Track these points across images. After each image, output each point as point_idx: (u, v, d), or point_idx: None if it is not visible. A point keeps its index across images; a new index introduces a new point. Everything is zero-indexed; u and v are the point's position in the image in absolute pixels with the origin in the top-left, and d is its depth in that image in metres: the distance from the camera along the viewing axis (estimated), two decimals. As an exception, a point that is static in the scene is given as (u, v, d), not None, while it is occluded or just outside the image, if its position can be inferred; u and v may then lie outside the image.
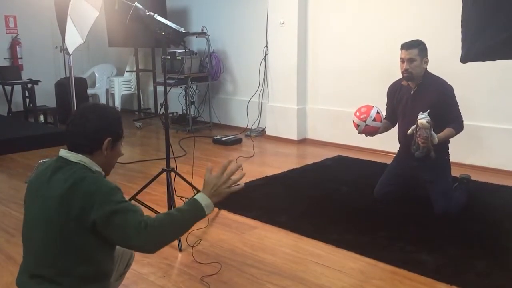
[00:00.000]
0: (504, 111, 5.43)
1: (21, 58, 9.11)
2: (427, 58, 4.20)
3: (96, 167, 2.15)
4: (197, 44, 8.39)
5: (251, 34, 7.80)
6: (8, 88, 8.57)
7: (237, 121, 8.25)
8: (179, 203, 4.21)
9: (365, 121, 4.16)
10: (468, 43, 2.32)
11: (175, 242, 3.68)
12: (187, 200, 2.19)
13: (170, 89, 5.75)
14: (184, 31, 4.13)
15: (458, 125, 4.11)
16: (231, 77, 8.35)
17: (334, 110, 6.79)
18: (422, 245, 3.66)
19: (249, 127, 7.91)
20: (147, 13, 3.92)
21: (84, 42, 5.00)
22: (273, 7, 7.20)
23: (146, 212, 3.97)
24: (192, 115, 8.27)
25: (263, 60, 7.56)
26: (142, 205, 4.02)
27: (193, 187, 4.38)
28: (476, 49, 2.27)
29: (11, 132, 7.14)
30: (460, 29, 2.28)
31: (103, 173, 2.20)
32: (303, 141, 7.25)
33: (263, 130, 7.72)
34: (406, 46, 4.18)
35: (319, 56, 7.00)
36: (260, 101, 7.76)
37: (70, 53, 4.98)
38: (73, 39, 4.85)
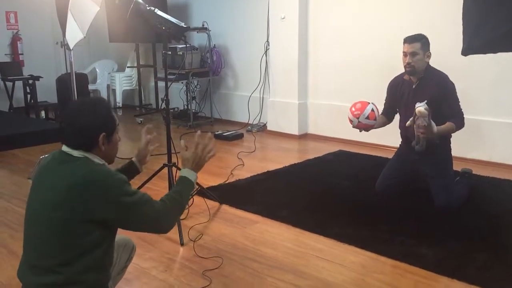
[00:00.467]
0: (506, 105, 5.42)
1: (22, 54, 9.12)
2: (430, 52, 4.19)
3: (98, 160, 2.16)
4: (198, 39, 8.38)
5: (252, 29, 7.79)
6: (9, 84, 8.59)
7: (238, 116, 8.25)
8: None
9: (358, 118, 4.18)
10: (469, 36, 2.32)
11: (177, 237, 3.69)
12: (178, 178, 2.39)
13: (171, 84, 5.75)
14: (185, 26, 4.12)
15: (458, 121, 4.07)
16: (232, 72, 8.34)
17: (335, 105, 6.79)
18: (423, 239, 3.66)
19: (250, 122, 7.91)
20: (148, 8, 3.93)
21: (84, 37, 5.00)
22: (274, 2, 7.19)
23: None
24: (193, 111, 8.26)
25: (264, 55, 7.55)
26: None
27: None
28: (477, 41, 2.27)
29: (12, 128, 7.15)
30: (460, 22, 2.27)
31: (106, 164, 2.22)
32: (304, 136, 7.25)
33: (264, 125, 7.72)
34: (409, 40, 4.18)
35: (320, 51, 6.99)
36: (261, 96, 7.76)
37: (71, 48, 4.98)
38: (74, 34, 4.85)
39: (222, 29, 8.22)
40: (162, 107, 7.85)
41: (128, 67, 9.81)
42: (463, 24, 2.36)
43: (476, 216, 4.08)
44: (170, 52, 7.54)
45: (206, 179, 5.03)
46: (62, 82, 8.33)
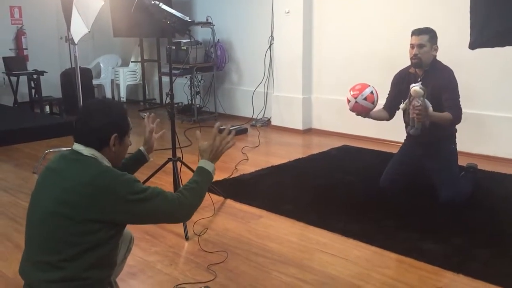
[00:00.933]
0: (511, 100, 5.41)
1: (26, 48, 9.11)
2: (437, 46, 4.18)
3: (106, 162, 2.17)
4: (202, 34, 8.36)
5: (256, 24, 7.78)
6: (13, 79, 8.58)
7: (242, 111, 8.25)
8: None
9: (355, 98, 4.15)
10: (476, 29, 2.32)
11: (182, 231, 3.70)
12: (196, 169, 2.42)
13: (176, 79, 5.74)
14: (189, 20, 4.12)
15: (456, 114, 4.02)
16: (236, 67, 8.34)
17: (340, 100, 6.72)
18: (428, 233, 3.66)
19: (254, 117, 7.90)
20: (152, 2, 3.92)
21: (89, 31, 5.01)
22: (278, -4, 7.17)
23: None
24: (197, 105, 8.26)
25: (268, 49, 7.54)
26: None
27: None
28: (485, 35, 2.27)
29: (17, 123, 7.16)
30: (467, 17, 2.27)
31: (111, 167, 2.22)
32: (308, 131, 7.25)
33: (269, 120, 7.73)
34: (417, 32, 4.17)
35: (325, 45, 6.98)
36: (265, 91, 7.75)
37: (76, 42, 4.99)
38: (79, 29, 4.86)
39: (226, 23, 8.21)
40: (166, 102, 7.86)
41: (132, 61, 9.81)
42: (470, 18, 2.36)
43: (481, 211, 4.07)
44: (174, 47, 7.54)
45: (211, 174, 5.03)
46: (67, 77, 8.35)
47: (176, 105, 8.11)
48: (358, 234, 3.68)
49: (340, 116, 6.66)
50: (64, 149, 5.82)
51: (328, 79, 6.98)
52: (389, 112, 4.52)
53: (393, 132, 5.55)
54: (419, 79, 4.16)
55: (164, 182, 4.69)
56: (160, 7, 3.94)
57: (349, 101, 4.21)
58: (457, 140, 4.34)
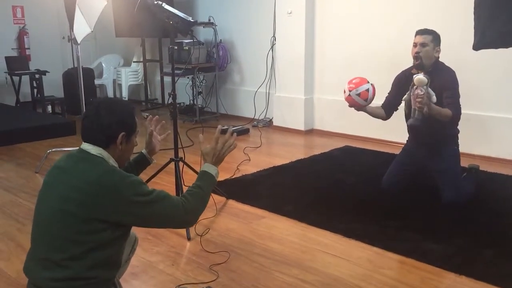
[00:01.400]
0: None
1: (28, 48, 9.11)
2: (440, 48, 4.17)
3: (112, 162, 2.18)
4: (204, 34, 8.37)
5: (258, 24, 7.78)
6: (16, 78, 8.59)
7: (244, 111, 8.24)
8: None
9: (350, 92, 4.17)
10: (480, 30, 2.31)
11: (184, 231, 3.70)
12: (199, 173, 2.43)
13: (178, 79, 5.74)
14: (192, 20, 4.12)
15: (455, 112, 4.00)
16: (238, 67, 8.33)
17: (342, 100, 6.60)
18: (430, 234, 3.66)
19: (256, 117, 7.90)
20: (155, 2, 3.92)
21: (92, 31, 5.01)
22: (281, -3, 7.17)
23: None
24: (199, 106, 8.27)
25: (271, 50, 7.54)
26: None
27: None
28: (489, 36, 2.27)
29: (19, 122, 7.16)
30: (470, 18, 2.27)
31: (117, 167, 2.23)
32: (310, 132, 7.24)
33: (270, 121, 7.72)
34: (420, 32, 4.18)
35: (327, 46, 6.98)
36: (267, 91, 7.75)
37: (78, 42, 4.99)
38: (81, 29, 4.87)
39: (228, 24, 8.21)
40: (168, 102, 7.87)
41: (134, 61, 9.81)
42: (474, 19, 2.36)
43: (483, 212, 4.07)
44: (176, 47, 7.54)
45: (213, 174, 5.04)
46: (69, 77, 8.36)
47: (178, 105, 8.10)
48: (360, 235, 3.68)
49: (342, 117, 6.66)
50: (66, 149, 5.85)
51: (330, 79, 6.97)
52: (387, 111, 4.50)
53: (395, 133, 5.55)
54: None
55: (166, 182, 4.69)
56: (162, 7, 3.93)
57: (344, 91, 4.23)
58: (459, 141, 4.33)
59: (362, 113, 4.41)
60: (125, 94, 9.60)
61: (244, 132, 7.19)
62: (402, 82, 4.38)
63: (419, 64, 4.15)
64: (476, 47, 2.44)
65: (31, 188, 4.84)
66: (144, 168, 2.82)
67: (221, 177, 4.97)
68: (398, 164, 4.53)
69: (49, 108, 8.63)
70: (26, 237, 3.61)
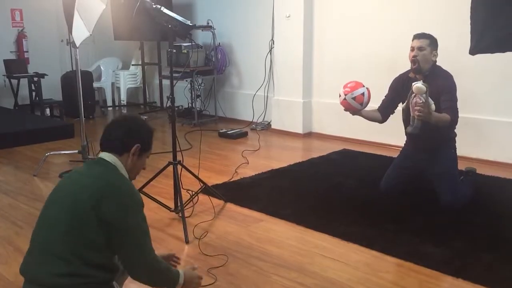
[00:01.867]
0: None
1: (27, 51, 9.12)
2: (437, 53, 4.18)
3: (124, 171, 2.28)
4: (202, 37, 8.38)
5: (256, 27, 7.79)
6: (14, 81, 8.58)
7: (242, 114, 8.25)
8: (185, 195, 4.24)
9: (345, 95, 4.17)
10: (477, 35, 2.31)
11: (182, 235, 3.71)
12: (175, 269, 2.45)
13: (177, 82, 5.75)
14: (191, 24, 4.12)
15: (453, 116, 4.00)
16: (237, 71, 8.34)
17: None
18: (428, 238, 3.66)
19: (254, 120, 7.90)
20: (154, 6, 3.92)
21: (91, 35, 5.01)
22: (279, 0, 7.18)
23: (153, 205, 4.00)
24: (198, 109, 8.27)
25: (269, 53, 7.55)
26: (149, 198, 4.03)
27: (200, 180, 4.37)
28: (485, 40, 2.27)
29: (18, 125, 7.16)
30: (468, 22, 2.27)
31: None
32: (308, 135, 7.25)
33: (269, 124, 7.72)
34: (418, 36, 4.18)
35: (325, 49, 6.99)
36: (266, 94, 7.76)
37: (77, 45, 4.99)
38: (80, 32, 4.86)
39: (226, 27, 8.22)
40: (167, 105, 7.86)
41: (132, 65, 9.80)
42: (471, 23, 2.36)
43: (481, 215, 4.07)
44: (175, 50, 7.55)
45: (211, 177, 5.04)
46: (67, 80, 8.36)
47: (176, 109, 8.11)
48: (358, 238, 3.68)
49: (341, 120, 6.64)
50: (64, 152, 5.86)
51: (328, 83, 6.98)
52: (383, 114, 4.50)
53: (393, 136, 5.56)
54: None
55: (164, 186, 4.70)
56: (161, 11, 3.93)
57: (340, 95, 4.23)
58: (456, 144, 4.34)
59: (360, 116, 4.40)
60: (123, 97, 9.60)
61: (242, 135, 7.19)
62: (400, 86, 4.38)
63: (417, 68, 4.16)
64: (473, 51, 2.44)
65: (29, 191, 4.84)
66: None
67: (219, 180, 5.02)
68: (396, 168, 4.53)
69: (48, 111, 8.64)
70: (24, 240, 3.61)
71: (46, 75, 8.50)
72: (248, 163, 5.77)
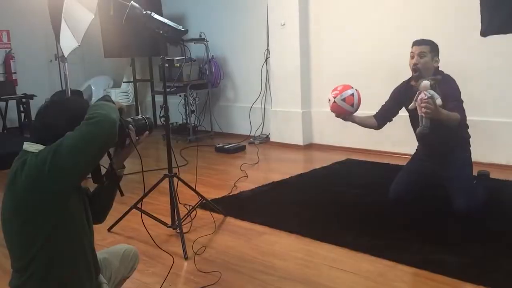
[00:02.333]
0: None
1: (15, 72, 9.00)
2: (438, 58, 4.03)
3: None
4: (195, 50, 8.22)
5: (250, 37, 7.68)
6: (2, 103, 8.48)
7: (239, 128, 8.09)
8: (183, 211, 4.07)
9: (334, 98, 4.03)
10: (487, 16, 2.18)
11: (181, 251, 3.51)
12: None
13: (170, 90, 5.57)
14: (183, 29, 3.99)
15: (461, 115, 3.81)
16: (232, 83, 8.20)
17: (341, 113, 6.62)
18: (442, 245, 3.48)
19: (252, 134, 7.74)
20: (144, 12, 3.78)
21: (79, 45, 4.87)
22: (273, 9, 7.07)
23: (149, 221, 3.77)
24: (193, 124, 8.10)
25: (264, 63, 7.44)
26: (145, 214, 3.81)
27: (197, 193, 4.20)
28: (496, 21, 2.13)
29: (6, 148, 6.95)
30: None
31: None
32: (309, 146, 7.08)
33: (267, 137, 7.56)
34: (417, 42, 4.03)
35: (323, 57, 6.85)
36: (263, 106, 7.62)
37: (66, 56, 4.84)
38: (68, 42, 4.74)
39: (220, 39, 8.10)
40: (161, 118, 7.70)
41: (124, 82, 9.66)
42: (480, 4, 2.22)
43: (497, 220, 3.88)
44: (167, 65, 7.40)
45: (209, 192, 4.86)
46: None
47: (170, 125, 7.96)
48: (368, 248, 3.49)
49: (342, 130, 6.46)
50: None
51: (328, 91, 6.77)
52: (379, 121, 4.33)
53: (398, 144, 5.54)
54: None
55: (160, 202, 4.52)
56: (152, 16, 3.81)
57: (329, 100, 4.09)
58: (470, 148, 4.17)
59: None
60: (115, 116, 9.43)
61: (240, 149, 7.00)
62: (401, 94, 4.22)
63: (418, 76, 3.98)
64: (484, 33, 2.28)
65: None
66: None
67: (217, 195, 4.85)
68: (406, 174, 4.33)
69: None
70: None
71: (35, 96, 8.38)
72: (247, 176, 5.58)
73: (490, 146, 5.40)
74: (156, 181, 4.08)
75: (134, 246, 2.64)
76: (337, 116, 4.14)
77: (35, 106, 8.31)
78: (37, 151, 1.94)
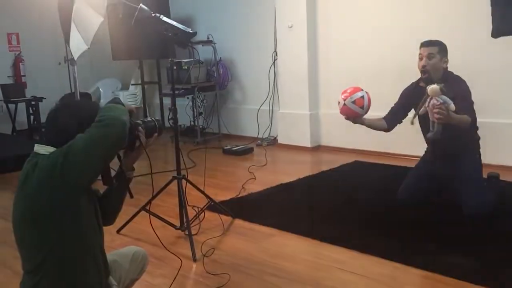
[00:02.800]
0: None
1: (24, 75, 9.03)
2: (447, 59, 4.00)
3: None
4: (203, 52, 8.19)
5: (258, 40, 7.66)
6: (12, 106, 8.48)
7: (247, 130, 8.07)
8: (191, 213, 4.05)
9: (345, 101, 3.99)
10: (498, 16, 2.15)
11: (189, 253, 3.49)
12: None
13: (178, 92, 5.55)
14: (191, 32, 3.99)
15: (472, 117, 3.81)
16: (239, 85, 8.19)
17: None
18: (454, 247, 3.44)
19: (260, 136, 7.71)
20: (153, 14, 3.78)
21: (89, 48, 4.86)
22: (281, 11, 7.05)
23: (157, 223, 3.77)
24: (201, 127, 8.09)
25: (272, 65, 7.40)
26: (153, 216, 3.80)
27: (206, 195, 4.19)
28: (508, 21, 2.10)
29: (16, 151, 6.96)
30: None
31: None
32: (317, 148, 7.04)
33: (275, 139, 7.53)
34: (426, 44, 4.01)
35: (331, 58, 6.82)
36: (271, 108, 7.59)
37: (75, 59, 4.85)
38: (78, 45, 4.74)
39: (227, 41, 8.09)
40: (170, 122, 7.68)
41: (132, 84, 9.65)
42: (491, 4, 2.19)
43: (507, 222, 3.84)
44: (175, 67, 7.39)
45: (217, 194, 4.83)
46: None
47: (178, 127, 7.96)
48: (378, 250, 3.45)
49: (351, 132, 6.39)
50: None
51: (336, 93, 6.66)
52: (389, 123, 4.31)
53: (407, 146, 5.47)
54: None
55: (169, 204, 4.50)
56: (160, 18, 3.81)
57: (339, 103, 4.06)
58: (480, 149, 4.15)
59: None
60: (124, 118, 9.44)
61: (248, 151, 6.99)
62: (410, 96, 4.20)
63: (427, 78, 3.96)
64: (495, 34, 2.25)
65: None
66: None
67: (225, 197, 4.84)
68: (415, 175, 4.31)
69: (46, 135, 8.48)
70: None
71: (44, 98, 8.38)
72: (255, 178, 5.56)
73: (500, 147, 5.34)
74: (165, 183, 4.07)
75: (143, 248, 2.63)
76: (347, 118, 4.10)
77: (44, 108, 8.33)
78: (48, 153, 1.94)
